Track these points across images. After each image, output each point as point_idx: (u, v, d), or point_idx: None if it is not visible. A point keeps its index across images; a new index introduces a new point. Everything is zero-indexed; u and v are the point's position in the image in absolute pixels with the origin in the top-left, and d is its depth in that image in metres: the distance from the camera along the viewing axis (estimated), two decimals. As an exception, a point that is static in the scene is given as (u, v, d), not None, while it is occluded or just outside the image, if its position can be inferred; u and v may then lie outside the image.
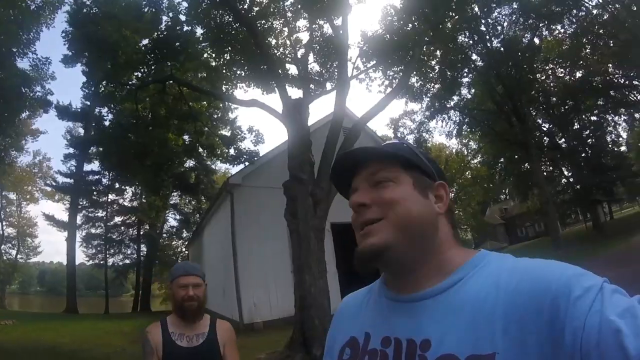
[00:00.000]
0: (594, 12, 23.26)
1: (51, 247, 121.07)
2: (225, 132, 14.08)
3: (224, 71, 12.76)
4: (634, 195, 51.74)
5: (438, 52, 15.18)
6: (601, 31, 23.55)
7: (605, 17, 23.33)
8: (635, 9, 21.59)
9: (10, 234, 35.81)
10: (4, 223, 34.29)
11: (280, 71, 10.66)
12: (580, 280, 0.58)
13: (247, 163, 11.65)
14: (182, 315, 2.01)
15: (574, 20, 23.23)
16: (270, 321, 11.50)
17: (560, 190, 33.59)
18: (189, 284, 2.00)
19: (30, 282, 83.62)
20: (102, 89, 14.09)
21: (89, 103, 26.58)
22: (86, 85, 23.50)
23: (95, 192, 29.54)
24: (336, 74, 13.24)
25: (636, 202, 49.05)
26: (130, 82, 11.86)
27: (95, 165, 29.74)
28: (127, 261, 30.24)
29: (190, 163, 22.32)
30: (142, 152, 11.92)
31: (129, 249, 30.41)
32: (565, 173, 32.99)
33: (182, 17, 11.26)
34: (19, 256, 36.67)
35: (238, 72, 12.55)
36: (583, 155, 30.50)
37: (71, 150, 28.38)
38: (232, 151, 11.50)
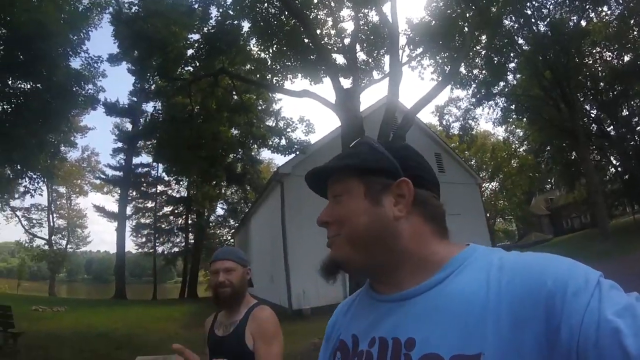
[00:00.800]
0: None
1: (97, 237, 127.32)
2: (270, 123, 14.37)
3: (272, 63, 13.02)
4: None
5: (483, 37, 14.86)
6: None
7: None
8: None
9: (61, 225, 37.79)
10: (54, 215, 36.29)
11: (330, 60, 10.73)
12: (576, 275, 0.57)
13: (298, 153, 11.85)
14: (216, 301, 1.91)
15: (621, 1, 22.12)
16: (317, 308, 11.76)
17: (608, 180, 32.33)
18: (220, 269, 1.89)
19: (78, 270, 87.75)
20: (153, 84, 14.70)
21: (135, 99, 27.83)
22: (136, 82, 24.69)
23: (144, 184, 30.91)
24: (383, 62, 13.40)
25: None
26: (182, 77, 12.28)
27: (143, 158, 31.11)
28: (176, 249, 31.49)
29: (236, 154, 22.81)
30: (197, 145, 12.36)
31: (178, 237, 31.65)
32: (614, 162, 31.70)
33: (231, 12, 11.55)
34: (68, 246, 38.54)
35: (287, 63, 12.76)
36: (632, 143, 29.09)
37: (119, 144, 29.88)
38: (283, 141, 11.73)
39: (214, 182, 25.65)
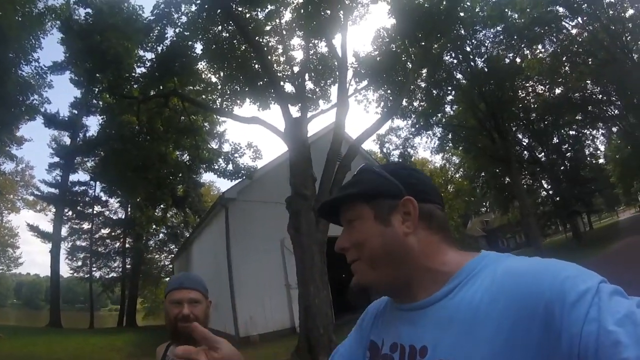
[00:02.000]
0: (573, 31, 24.44)
1: (28, 258, 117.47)
2: (214, 145, 14.25)
3: (222, 87, 12.96)
4: (612, 206, 53.84)
5: (424, 72, 15.71)
6: (580, 50, 24.73)
7: (584, 36, 24.53)
8: (613, 28, 22.84)
9: (-10, 244, 34.76)
10: (-18, 233, 33.34)
11: (281, 89, 10.88)
12: (575, 282, 0.58)
13: (245, 178, 11.79)
14: (176, 338, 1.61)
15: (554, 40, 24.38)
16: (265, 334, 11.65)
17: (540, 202, 34.67)
18: (184, 300, 1.60)
19: (7, 294, 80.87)
20: (99, 99, 14.18)
21: (76, 112, 26.47)
22: (81, 93, 23.60)
23: (81, 203, 29.16)
24: (329, 92, 13.70)
25: (614, 212, 51.03)
26: (131, 95, 11.96)
27: (80, 176, 29.47)
28: (114, 274, 29.83)
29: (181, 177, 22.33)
30: (143, 166, 11.99)
31: (115, 262, 29.99)
32: (545, 185, 34.20)
33: (186, 33, 11.44)
34: (-1, 267, 35.52)
35: (235, 87, 12.73)
36: (562, 168, 31.59)
37: (56, 159, 27.98)
38: (230, 166, 11.61)
39: (160, 206, 24.85)
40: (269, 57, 11.53)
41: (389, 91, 13.52)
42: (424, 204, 0.80)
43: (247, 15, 11.76)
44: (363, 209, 0.82)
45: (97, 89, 12.32)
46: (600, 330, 0.51)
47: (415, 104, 18.01)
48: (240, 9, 10.99)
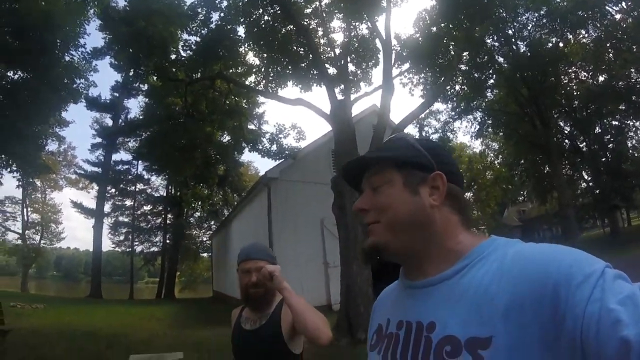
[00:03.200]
0: (617, 17, 23.39)
1: (69, 234, 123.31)
2: (253, 127, 14.52)
3: (265, 69, 13.17)
4: (653, 203, 51.54)
5: (465, 54, 15.49)
6: (624, 36, 23.66)
7: (628, 22, 23.46)
8: None
9: (35, 219, 36.71)
10: (28, 209, 35.23)
11: (326, 70, 10.97)
12: (581, 266, 0.60)
13: (288, 159, 12.07)
14: (248, 302, 1.89)
15: (598, 25, 23.37)
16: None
17: (579, 194, 33.57)
18: (252, 269, 1.83)
19: (47, 266, 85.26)
20: (144, 82, 14.68)
21: (117, 95, 27.44)
22: (123, 77, 24.42)
23: (123, 181, 30.40)
24: (370, 74, 13.71)
25: (654, 210, 48.91)
26: (178, 78, 12.33)
27: (122, 155, 30.57)
28: (154, 249, 31.02)
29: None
30: (191, 146, 12.43)
31: (156, 237, 31.16)
32: (585, 177, 33.05)
33: (229, 17, 11.65)
34: (42, 241, 37.41)
35: (278, 69, 12.92)
36: (603, 160, 30.39)
37: (98, 140, 29.19)
38: (274, 146, 11.92)
39: (206, 183, 25.63)
40: (313, 39, 11.58)
41: (429, 74, 13.39)
42: (452, 184, 0.82)
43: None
44: (393, 175, 0.83)
45: (142, 73, 12.68)
46: (602, 309, 0.54)
47: (457, 87, 17.70)
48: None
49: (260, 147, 11.92)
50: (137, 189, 30.99)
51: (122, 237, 30.64)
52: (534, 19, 22.03)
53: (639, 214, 47.96)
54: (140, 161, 29.00)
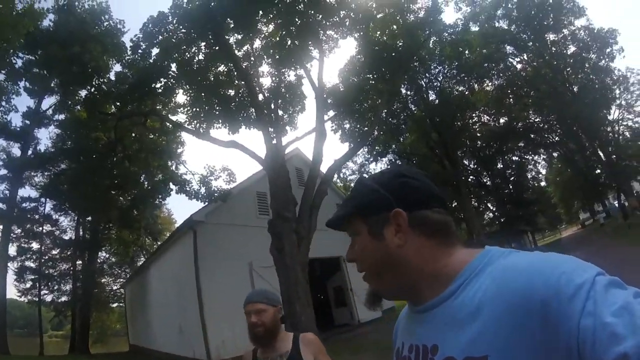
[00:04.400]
0: (519, 67, 26.83)
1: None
2: (174, 167, 14.04)
3: (192, 108, 12.97)
4: (554, 225, 57.95)
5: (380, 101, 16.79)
6: (524, 83, 27.18)
7: (528, 70, 27.00)
8: (555, 63, 25.34)
9: None
10: None
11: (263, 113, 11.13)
12: (571, 277, 0.58)
13: (219, 201, 11.81)
14: (253, 341, 2.07)
15: (501, 75, 26.64)
16: (237, 357, 11.48)
17: (486, 224, 36.76)
18: (251, 312, 2.04)
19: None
20: (64, 113, 13.67)
21: (28, 122, 25.01)
22: (35, 103, 22.41)
23: (30, 221, 27.27)
24: (296, 119, 14.11)
25: (557, 230, 54.89)
26: (109, 112, 11.71)
27: (27, 191, 27.51)
28: (65, 298, 27.89)
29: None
30: (117, 187, 11.71)
31: (66, 284, 28.08)
32: (491, 207, 36.38)
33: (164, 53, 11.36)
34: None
35: (207, 108, 12.78)
36: (506, 191, 33.79)
37: (3, 171, 26.03)
38: (202, 189, 11.60)
39: (131, 228, 23.95)
40: (253, 82, 11.71)
41: (355, 121, 14.18)
42: (417, 211, 0.81)
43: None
44: (359, 225, 0.85)
45: (68, 101, 11.86)
46: (597, 323, 0.52)
47: (375, 132, 19.00)
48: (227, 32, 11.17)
49: (188, 189, 11.56)
50: (44, 230, 27.91)
51: (28, 285, 27.25)
52: (444, 71, 24.50)
53: (543, 236, 53.59)
54: (48, 199, 26.41)
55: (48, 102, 27.53)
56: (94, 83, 11.22)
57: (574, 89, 26.35)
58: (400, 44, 13.03)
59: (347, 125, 15.41)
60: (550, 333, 0.57)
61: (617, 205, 33.41)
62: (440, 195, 0.86)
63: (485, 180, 35.13)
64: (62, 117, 21.07)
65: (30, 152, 25.45)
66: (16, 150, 25.88)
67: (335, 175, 26.88)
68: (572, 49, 26.85)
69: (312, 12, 11.20)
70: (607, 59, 26.18)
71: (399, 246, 0.79)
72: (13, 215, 24.79)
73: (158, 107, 12.26)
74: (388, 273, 0.82)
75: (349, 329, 15.13)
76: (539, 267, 0.63)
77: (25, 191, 27.50)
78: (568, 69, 26.66)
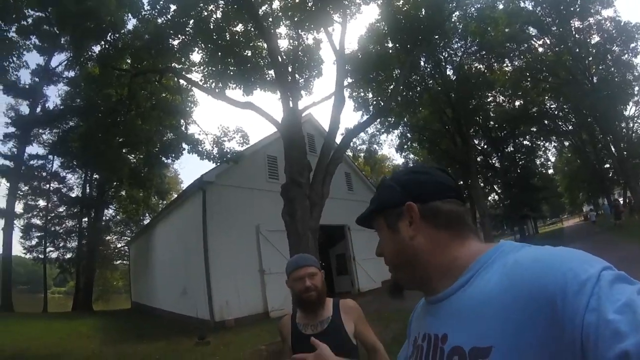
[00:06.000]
0: (540, 50, 26.23)
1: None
2: (183, 125, 13.79)
3: (208, 67, 12.69)
4: (557, 213, 57.98)
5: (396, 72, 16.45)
6: (543, 68, 26.59)
7: (549, 55, 26.39)
8: (577, 51, 24.75)
9: None
10: None
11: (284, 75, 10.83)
12: (576, 273, 0.59)
13: (231, 163, 11.67)
14: (304, 307, 2.02)
15: (522, 56, 26.04)
16: (240, 318, 11.59)
17: (490, 206, 36.77)
18: (305, 275, 1.99)
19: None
20: (77, 70, 13.43)
21: (37, 80, 24.80)
22: (45, 60, 22.22)
23: (37, 179, 27.28)
24: (312, 84, 13.79)
25: (559, 218, 55.01)
26: (123, 68, 11.45)
27: (35, 149, 27.33)
28: (71, 255, 28.08)
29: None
30: (131, 143, 11.56)
31: (71, 242, 28.27)
32: (497, 189, 36.31)
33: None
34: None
35: (222, 68, 12.50)
36: (514, 175, 33.67)
37: (11, 129, 25.89)
38: (215, 150, 11.45)
39: (143, 187, 23.96)
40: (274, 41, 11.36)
41: (374, 89, 13.91)
42: (428, 203, 0.85)
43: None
44: (380, 221, 0.93)
45: (82, 59, 11.57)
46: (600, 319, 0.53)
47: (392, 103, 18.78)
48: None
49: (200, 149, 11.41)
50: (51, 188, 27.89)
51: (34, 242, 27.43)
52: (465, 47, 23.94)
53: (545, 223, 53.80)
54: (55, 157, 26.41)
55: (58, 59, 27.04)
56: (108, 38, 10.93)
57: (593, 80, 25.75)
58: (423, 14, 12.70)
59: (363, 94, 15.11)
60: (556, 328, 0.57)
61: (608, 205, 33.25)
62: (455, 187, 0.90)
63: (494, 162, 34.95)
64: (72, 74, 20.84)
65: (38, 109, 25.37)
66: (24, 108, 25.85)
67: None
68: (596, 38, 26.14)
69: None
70: (630, 54, 25.60)
71: (412, 237, 0.84)
72: (20, 173, 24.86)
73: (173, 65, 11.95)
74: (404, 264, 0.87)
75: (349, 297, 15.33)
76: (548, 263, 0.64)
77: (33, 149, 27.30)
78: (590, 59, 25.97)
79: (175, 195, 22.18)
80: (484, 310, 0.68)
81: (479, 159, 33.05)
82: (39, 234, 27.30)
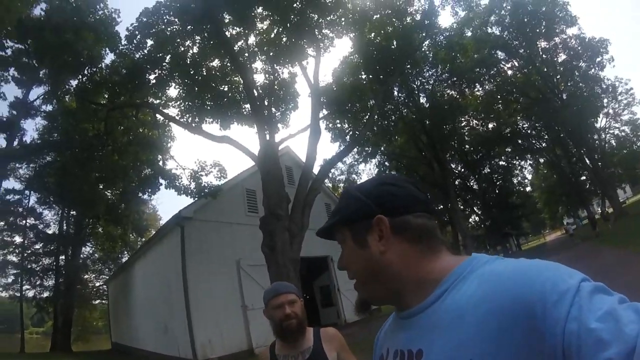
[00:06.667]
0: (509, 72, 27.21)
1: None
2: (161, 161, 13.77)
3: (184, 102, 12.75)
4: (539, 229, 58.90)
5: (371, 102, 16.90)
6: (513, 89, 27.55)
7: (518, 76, 27.41)
8: (545, 70, 25.75)
9: None
10: None
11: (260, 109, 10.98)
12: (556, 283, 0.58)
13: (209, 197, 11.59)
14: (284, 336, 1.92)
15: (492, 80, 26.99)
16: (224, 357, 11.31)
17: (472, 227, 37.23)
18: (284, 303, 1.91)
19: None
20: (54, 103, 13.38)
21: (15, 113, 24.46)
22: (23, 94, 22.01)
23: (13, 214, 26.55)
24: (288, 117, 13.96)
25: (541, 234, 55.86)
26: (100, 102, 11.43)
27: (12, 183, 26.70)
28: (48, 294, 27.17)
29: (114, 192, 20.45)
30: (106, 180, 11.44)
31: (49, 280, 27.40)
32: (477, 211, 36.86)
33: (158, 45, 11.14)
34: None
35: (199, 103, 12.58)
36: (492, 195, 34.28)
37: None
38: (192, 184, 11.39)
39: (119, 224, 23.53)
40: (250, 76, 11.55)
41: (349, 121, 14.19)
42: (400, 216, 0.81)
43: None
44: (345, 234, 0.86)
45: (60, 91, 11.51)
46: (582, 328, 0.52)
47: (368, 133, 19.20)
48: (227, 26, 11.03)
49: (177, 184, 11.33)
50: (27, 224, 27.18)
51: (10, 280, 26.48)
52: (437, 75, 24.76)
53: (527, 240, 54.51)
54: (32, 192, 25.83)
55: (36, 92, 26.80)
56: (86, 72, 10.99)
57: (563, 96, 26.76)
58: (395, 45, 13.12)
59: (339, 125, 15.40)
60: (535, 338, 0.57)
61: (579, 219, 33.91)
62: (425, 200, 0.85)
63: (471, 184, 35.68)
64: (50, 108, 20.69)
65: (15, 143, 24.92)
66: (1, 141, 25.38)
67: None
68: (562, 56, 27.38)
69: (309, 10, 11.16)
70: (597, 68, 26.71)
71: (382, 252, 0.79)
72: (-6, 208, 24.21)
73: (150, 100, 11.99)
74: (374, 279, 0.82)
75: (336, 329, 15.16)
76: (524, 273, 0.63)
77: (9, 183, 26.54)
78: (558, 77, 27.12)
79: (154, 232, 21.87)
80: (460, 323, 0.66)
81: (457, 182, 33.67)
82: (15, 272, 26.45)
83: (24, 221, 26.78)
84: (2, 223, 25.97)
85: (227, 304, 12.23)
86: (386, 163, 29.11)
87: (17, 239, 26.86)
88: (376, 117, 15.60)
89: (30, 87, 23.32)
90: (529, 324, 0.57)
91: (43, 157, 23.76)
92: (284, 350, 1.94)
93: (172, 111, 12.80)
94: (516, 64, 27.58)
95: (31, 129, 54.12)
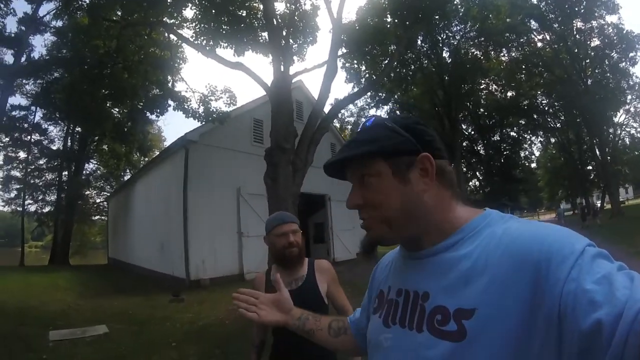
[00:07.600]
0: (539, 44, 26.29)
1: None
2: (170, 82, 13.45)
3: (199, 24, 12.34)
4: (535, 207, 59.26)
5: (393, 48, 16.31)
6: (540, 62, 26.71)
7: (547, 50, 26.52)
8: (576, 51, 24.91)
9: None
10: None
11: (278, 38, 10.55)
12: (563, 245, 0.61)
13: (216, 123, 11.46)
14: (284, 263, 2.02)
15: (519, 48, 26.09)
16: (215, 278, 11.71)
17: (470, 191, 37.42)
18: (289, 231, 2.00)
19: None
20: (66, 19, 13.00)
21: (24, 28, 23.98)
22: (32, 9, 21.41)
23: (19, 130, 26.57)
24: (305, 50, 13.55)
25: (536, 212, 56.29)
26: (113, 19, 11.05)
27: (19, 99, 26.58)
28: (50, 208, 27.71)
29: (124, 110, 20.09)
30: (117, 97, 11.27)
31: (51, 195, 27.86)
32: (479, 176, 36.89)
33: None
34: None
35: (215, 27, 12.18)
36: (497, 164, 34.17)
37: None
38: (201, 109, 11.23)
39: (125, 142, 23.54)
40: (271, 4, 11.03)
41: (368, 62, 13.77)
42: (438, 160, 0.81)
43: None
44: (381, 166, 0.81)
45: (72, 8, 11.09)
46: (578, 289, 0.55)
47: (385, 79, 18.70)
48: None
49: (186, 107, 11.17)
50: (32, 140, 27.26)
51: (13, 195, 26.95)
52: (464, 31, 23.81)
53: (522, 215, 54.89)
54: (38, 108, 25.74)
55: (46, 8, 26.06)
56: None
57: (588, 82, 26.11)
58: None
59: (356, 66, 14.95)
60: (537, 294, 0.59)
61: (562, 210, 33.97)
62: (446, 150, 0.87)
63: (479, 149, 35.44)
64: (60, 24, 20.16)
65: (23, 59, 24.55)
66: (9, 57, 24.98)
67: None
68: (596, 42, 26.42)
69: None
70: (628, 62, 26.00)
71: (424, 191, 0.79)
72: (1, 124, 24.23)
73: (164, 19, 11.58)
74: (404, 221, 0.79)
75: (328, 263, 15.79)
76: (536, 233, 0.66)
77: (16, 99, 26.37)
78: (587, 61, 26.26)
79: (158, 153, 22.00)
80: (471, 274, 0.69)
81: (464, 144, 33.52)
82: (18, 187, 26.91)
83: (29, 137, 26.93)
84: (7, 139, 26.11)
85: (224, 229, 12.56)
86: (397, 112, 28.78)
87: (22, 155, 27.16)
88: (395, 63, 15.15)
89: (41, 2, 22.72)
90: (534, 281, 0.60)
91: (51, 73, 23.49)
92: (281, 276, 1.99)
93: (187, 32, 12.33)
94: (548, 37, 26.55)
95: (40, 45, 53.23)
